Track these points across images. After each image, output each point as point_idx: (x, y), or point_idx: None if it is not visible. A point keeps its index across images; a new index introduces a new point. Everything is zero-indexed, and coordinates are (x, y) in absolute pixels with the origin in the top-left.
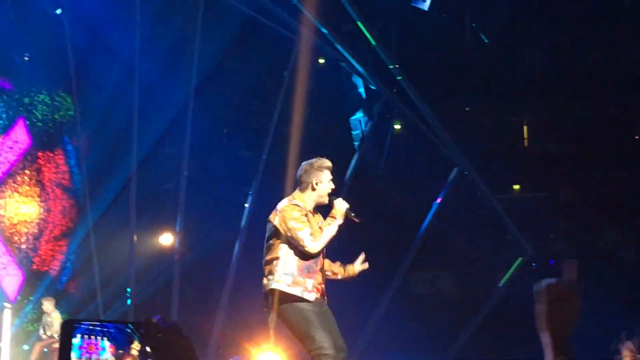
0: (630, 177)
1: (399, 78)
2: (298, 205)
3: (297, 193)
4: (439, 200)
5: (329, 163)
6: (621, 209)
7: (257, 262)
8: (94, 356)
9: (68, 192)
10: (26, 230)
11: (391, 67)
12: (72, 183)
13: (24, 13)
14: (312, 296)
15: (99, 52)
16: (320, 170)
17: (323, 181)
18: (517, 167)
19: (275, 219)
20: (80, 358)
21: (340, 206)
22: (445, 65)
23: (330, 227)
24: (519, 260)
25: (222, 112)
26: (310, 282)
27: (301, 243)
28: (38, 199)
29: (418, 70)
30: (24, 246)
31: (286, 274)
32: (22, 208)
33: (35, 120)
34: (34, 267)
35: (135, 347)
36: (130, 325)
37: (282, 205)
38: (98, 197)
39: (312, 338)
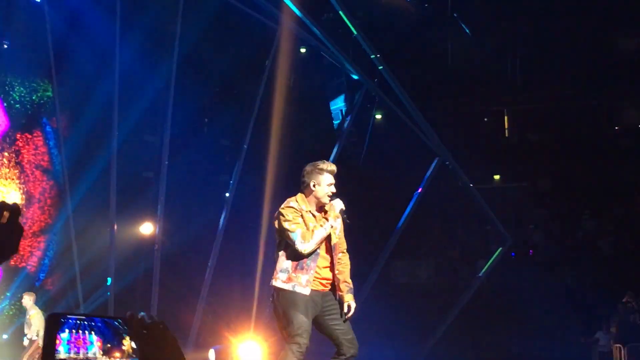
0: (610, 168)
1: (380, 67)
2: (292, 207)
3: (299, 193)
4: (419, 190)
5: (331, 167)
6: (600, 199)
7: (237, 252)
8: (82, 351)
9: (47, 173)
10: None
11: (372, 56)
12: (51, 165)
13: (3, 1)
14: (306, 290)
15: (78, 39)
16: (320, 173)
17: (321, 184)
18: (498, 158)
19: (275, 221)
20: (69, 353)
21: (335, 207)
22: (427, 55)
23: (321, 229)
24: (499, 249)
25: (203, 101)
26: (304, 278)
27: (293, 244)
28: (17, 182)
29: (399, 60)
30: None
31: (282, 271)
32: (3, 195)
33: (12, 102)
34: (12, 262)
35: (126, 342)
36: (119, 320)
37: (281, 207)
38: (77, 183)
39: (290, 321)
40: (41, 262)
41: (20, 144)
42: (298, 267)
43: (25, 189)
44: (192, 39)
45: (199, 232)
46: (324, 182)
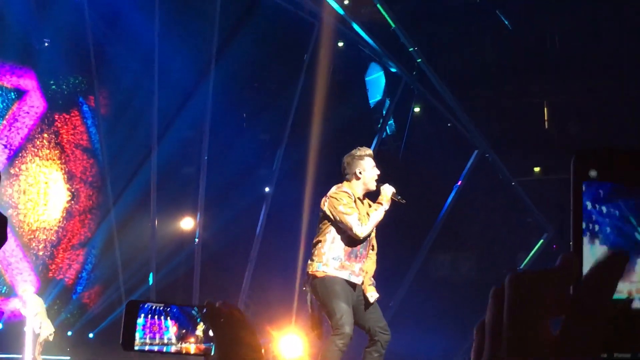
0: None
1: (418, 60)
2: (347, 192)
3: (345, 183)
4: (459, 182)
5: (369, 151)
6: None
7: (278, 246)
8: (157, 336)
9: (87, 152)
10: (45, 237)
11: (411, 49)
12: (90, 143)
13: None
14: (359, 279)
15: (118, 36)
16: (361, 159)
17: (366, 169)
18: (537, 150)
19: (324, 205)
20: (144, 338)
21: (387, 191)
22: (465, 47)
23: (377, 213)
24: (541, 241)
25: (242, 95)
26: (357, 266)
27: (350, 228)
28: (58, 162)
29: (438, 52)
30: (41, 253)
31: (334, 258)
32: (43, 214)
33: (49, 83)
34: (50, 274)
35: (199, 327)
36: (196, 308)
37: (331, 191)
38: (118, 175)
39: (334, 311)
40: (79, 275)
41: (59, 124)
42: (352, 255)
43: (67, 169)
44: (232, 34)
45: (240, 227)
46: (367, 166)
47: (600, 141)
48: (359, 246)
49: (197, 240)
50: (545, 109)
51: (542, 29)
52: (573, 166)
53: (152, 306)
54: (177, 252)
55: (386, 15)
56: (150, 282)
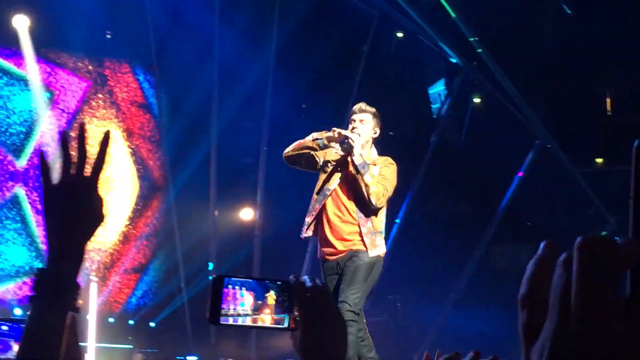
0: None
1: (479, 51)
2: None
3: None
4: (520, 173)
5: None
6: None
7: None
8: (231, 306)
9: (143, 108)
10: (98, 258)
11: (471, 39)
12: (144, 98)
13: None
14: (308, 233)
15: (179, 28)
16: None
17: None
18: (600, 140)
19: None
20: (221, 310)
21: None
22: (527, 37)
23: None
24: (603, 233)
25: (301, 87)
26: (307, 220)
27: None
28: (116, 120)
29: (499, 42)
30: (93, 274)
31: None
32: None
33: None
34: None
35: (272, 296)
36: (270, 281)
37: None
38: (178, 174)
39: None
40: (128, 300)
41: (112, 83)
42: (307, 211)
43: (125, 127)
44: (291, 26)
45: (298, 217)
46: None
47: None
48: (313, 200)
49: (256, 231)
50: (608, 98)
51: (604, 15)
52: (635, 152)
53: (232, 280)
54: (237, 243)
55: (446, 5)
56: (210, 269)
